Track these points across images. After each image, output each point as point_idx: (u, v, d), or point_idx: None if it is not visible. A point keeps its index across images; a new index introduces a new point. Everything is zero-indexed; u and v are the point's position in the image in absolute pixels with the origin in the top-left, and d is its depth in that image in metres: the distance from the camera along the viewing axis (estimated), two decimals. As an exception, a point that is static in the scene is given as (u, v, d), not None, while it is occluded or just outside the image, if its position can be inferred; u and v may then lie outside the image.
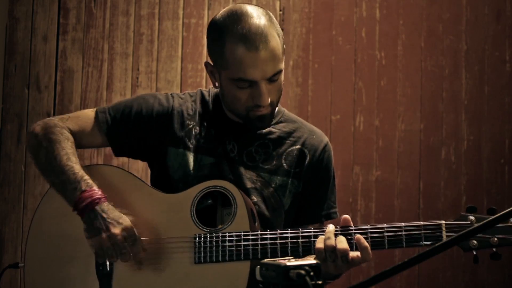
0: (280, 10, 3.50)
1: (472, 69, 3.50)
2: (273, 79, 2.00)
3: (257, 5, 3.52)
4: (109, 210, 1.96)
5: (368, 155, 3.47)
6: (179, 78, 3.52)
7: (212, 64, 2.08)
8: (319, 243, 1.89)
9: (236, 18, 2.00)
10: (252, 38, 1.96)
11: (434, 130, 3.48)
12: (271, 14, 2.07)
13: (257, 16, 2.00)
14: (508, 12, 3.51)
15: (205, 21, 3.52)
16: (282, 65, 2.03)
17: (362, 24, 3.52)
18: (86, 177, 2.00)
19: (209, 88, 2.21)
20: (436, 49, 3.51)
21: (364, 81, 3.51)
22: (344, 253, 1.86)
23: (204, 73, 3.50)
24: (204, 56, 3.51)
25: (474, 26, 3.51)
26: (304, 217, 2.15)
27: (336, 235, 1.90)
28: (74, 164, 2.02)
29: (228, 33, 1.99)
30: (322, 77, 3.51)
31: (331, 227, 1.91)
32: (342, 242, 1.87)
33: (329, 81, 3.52)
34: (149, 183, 2.16)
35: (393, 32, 3.52)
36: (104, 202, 1.97)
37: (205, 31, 3.57)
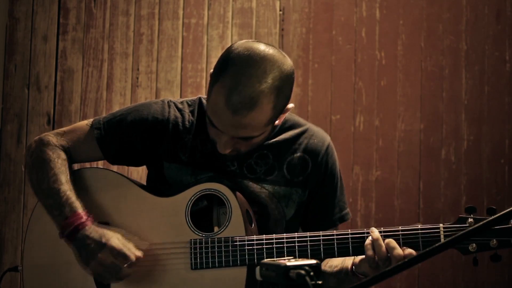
0: (280, 10, 3.50)
1: (472, 69, 3.50)
2: (243, 138, 1.92)
3: (257, 5, 3.56)
4: (91, 233, 1.92)
5: (368, 155, 3.47)
6: (179, 78, 3.52)
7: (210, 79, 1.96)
8: (369, 251, 1.87)
9: (244, 65, 1.84)
10: (237, 99, 1.83)
11: (434, 130, 3.48)
12: (286, 73, 1.90)
13: (263, 76, 1.84)
14: (508, 12, 3.51)
15: (205, 21, 3.52)
16: (258, 133, 1.92)
17: (362, 24, 3.52)
18: (72, 199, 1.96)
19: None
20: (436, 49, 3.51)
21: (364, 81, 3.50)
22: (399, 258, 1.84)
23: (204, 73, 3.50)
24: (204, 56, 3.51)
25: (474, 26, 3.51)
26: (318, 224, 2.10)
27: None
28: (61, 186, 1.98)
29: (227, 73, 1.85)
30: (322, 77, 3.51)
31: (376, 233, 1.88)
32: (396, 249, 1.85)
33: (329, 81, 3.52)
34: (144, 182, 2.15)
35: (393, 32, 3.52)
36: (86, 226, 1.92)
37: (205, 31, 3.58)
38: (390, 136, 3.48)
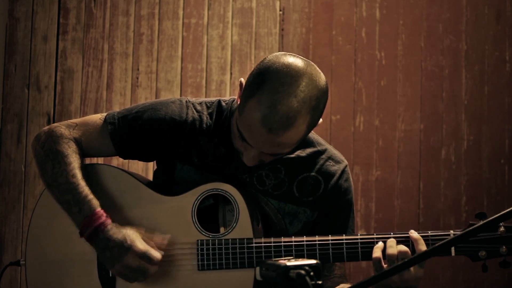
0: (280, 10, 3.50)
1: (472, 69, 3.50)
2: (272, 154, 1.90)
3: (257, 5, 3.56)
4: (114, 234, 1.90)
5: (368, 155, 3.47)
6: (179, 78, 3.52)
7: (242, 89, 1.91)
8: (376, 253, 1.86)
9: (282, 82, 1.80)
10: (274, 118, 1.78)
11: (434, 130, 3.48)
12: (322, 91, 1.87)
13: (301, 95, 1.80)
14: (508, 12, 3.51)
15: (205, 21, 3.52)
16: (289, 150, 1.90)
17: (362, 24, 3.52)
18: (90, 196, 1.93)
19: (230, 99, 2.08)
20: (436, 49, 3.51)
21: (364, 81, 3.50)
22: (406, 255, 1.82)
23: (204, 73, 3.50)
24: (204, 56, 3.51)
25: (474, 26, 3.51)
26: None
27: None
28: (80, 182, 1.95)
29: (263, 89, 1.80)
30: (322, 77, 3.51)
31: (392, 240, 1.86)
32: (401, 246, 1.84)
33: (329, 81, 3.49)
34: (149, 178, 2.14)
35: (393, 32, 3.52)
36: (107, 226, 1.90)
37: (205, 31, 3.58)
38: (390, 136, 3.48)
